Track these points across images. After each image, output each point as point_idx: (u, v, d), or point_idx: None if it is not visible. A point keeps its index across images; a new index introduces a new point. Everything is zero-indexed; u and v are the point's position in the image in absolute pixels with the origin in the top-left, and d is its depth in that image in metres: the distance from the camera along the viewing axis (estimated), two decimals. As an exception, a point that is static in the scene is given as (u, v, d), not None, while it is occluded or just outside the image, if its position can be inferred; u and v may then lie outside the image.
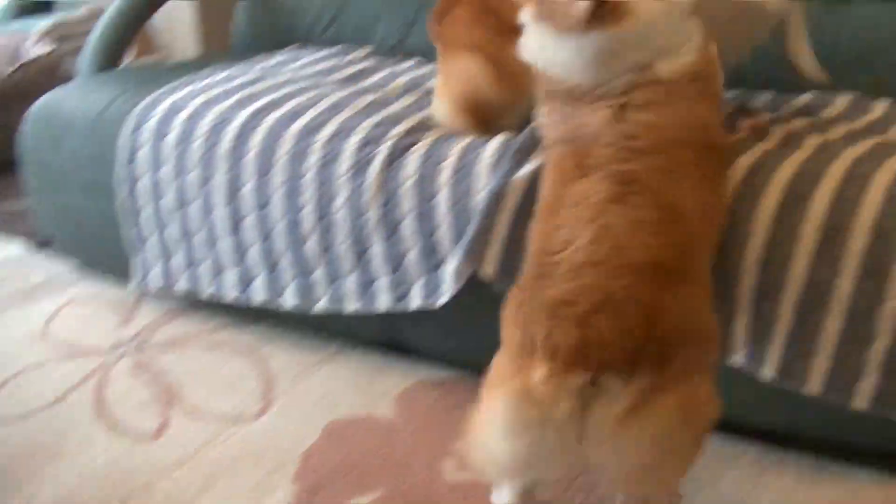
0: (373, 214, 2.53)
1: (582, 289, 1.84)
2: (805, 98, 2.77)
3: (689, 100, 2.07)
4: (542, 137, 2.21)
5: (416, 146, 2.55)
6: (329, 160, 2.60)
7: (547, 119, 2.17)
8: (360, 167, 2.56)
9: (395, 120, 2.67)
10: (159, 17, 4.40)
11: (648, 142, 1.99)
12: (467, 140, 2.52)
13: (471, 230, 2.39)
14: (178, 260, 2.94)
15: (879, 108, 2.69)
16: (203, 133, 2.79)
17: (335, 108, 2.75)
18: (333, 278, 2.66)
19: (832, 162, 2.19)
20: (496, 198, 2.35)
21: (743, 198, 2.17)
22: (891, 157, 2.21)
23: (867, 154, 2.24)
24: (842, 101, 2.73)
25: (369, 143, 2.59)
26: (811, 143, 2.33)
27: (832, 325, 2.12)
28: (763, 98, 2.80)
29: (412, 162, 2.51)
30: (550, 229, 1.98)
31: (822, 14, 2.88)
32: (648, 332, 1.81)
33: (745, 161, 2.23)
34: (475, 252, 2.39)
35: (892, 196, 2.09)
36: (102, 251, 3.21)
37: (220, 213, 2.77)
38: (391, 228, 2.53)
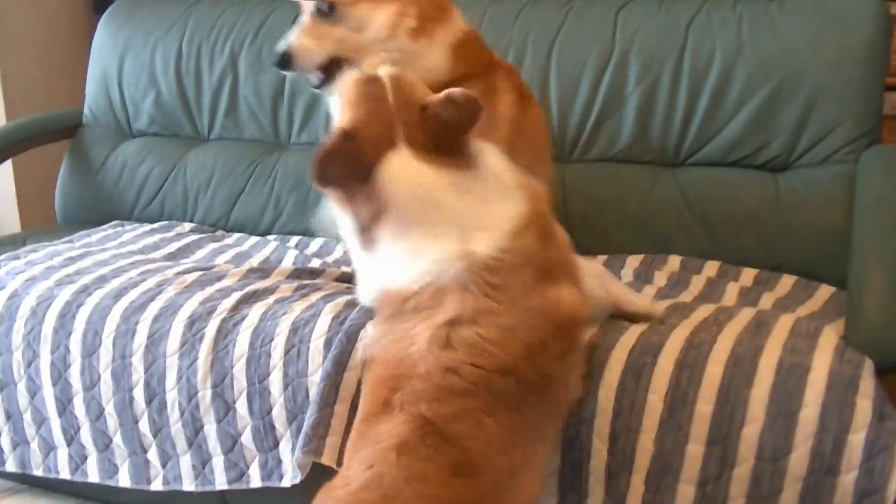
0: (205, 394, 2.52)
1: None
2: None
3: (523, 294, 1.99)
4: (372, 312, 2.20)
5: (244, 322, 2.54)
6: (157, 339, 2.59)
7: (373, 328, 2.13)
8: (189, 346, 2.55)
9: (223, 295, 2.67)
10: (-22, 190, 4.37)
11: (469, 379, 1.90)
12: (296, 313, 2.51)
13: (308, 420, 2.37)
14: (4, 439, 2.87)
15: (711, 269, 2.83)
16: (26, 312, 2.76)
17: (161, 286, 2.74)
18: (168, 457, 2.62)
19: (672, 331, 2.26)
20: (332, 387, 2.35)
21: (587, 375, 2.21)
22: (731, 321, 2.29)
23: (704, 321, 2.31)
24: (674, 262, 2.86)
25: (196, 320, 2.58)
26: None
27: (686, 492, 2.15)
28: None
29: (242, 340, 2.50)
30: (349, 458, 1.96)
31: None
32: None
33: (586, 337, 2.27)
34: (314, 443, 2.36)
35: (735, 361, 2.15)
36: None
37: (48, 393, 2.72)
38: (224, 408, 2.51)
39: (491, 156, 2.13)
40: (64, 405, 2.71)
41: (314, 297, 2.60)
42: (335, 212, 2.17)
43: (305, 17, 2.51)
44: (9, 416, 2.82)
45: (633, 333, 2.27)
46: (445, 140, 2.08)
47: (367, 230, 2.09)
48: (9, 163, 4.16)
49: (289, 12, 3.51)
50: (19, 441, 2.84)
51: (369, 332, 2.27)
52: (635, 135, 3.05)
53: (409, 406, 1.90)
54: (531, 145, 2.60)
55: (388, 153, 2.05)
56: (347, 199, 2.10)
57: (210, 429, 2.54)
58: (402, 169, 2.04)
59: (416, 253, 2.01)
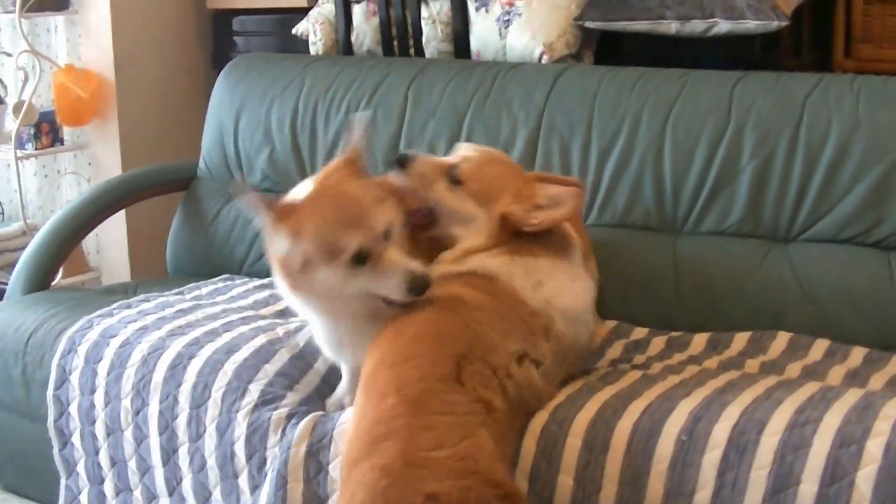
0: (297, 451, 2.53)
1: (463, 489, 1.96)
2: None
3: None
4: None
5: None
6: (260, 402, 2.63)
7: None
8: (293, 418, 2.58)
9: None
10: (91, 238, 4.44)
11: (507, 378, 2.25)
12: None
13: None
14: (109, 485, 2.90)
15: (820, 347, 2.80)
16: (137, 360, 2.81)
17: (274, 344, 2.78)
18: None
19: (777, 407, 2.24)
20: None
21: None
22: (837, 400, 2.26)
23: (810, 399, 2.29)
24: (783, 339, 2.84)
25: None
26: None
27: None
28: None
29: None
30: (420, 428, 2.06)
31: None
32: None
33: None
34: None
35: (841, 441, 2.12)
36: (26, 474, 3.18)
37: (154, 442, 2.76)
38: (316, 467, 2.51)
39: None
40: (169, 455, 2.74)
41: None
42: None
43: (440, 161, 2.63)
44: (114, 463, 2.86)
45: (737, 407, 2.25)
46: None
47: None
48: (122, 212, 4.23)
49: (405, 76, 3.55)
50: (122, 488, 2.87)
51: None
52: (748, 209, 3.03)
53: (478, 387, 2.15)
54: None
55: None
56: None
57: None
58: None
59: None
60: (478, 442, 2.04)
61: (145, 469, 2.80)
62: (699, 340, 2.85)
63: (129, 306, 3.11)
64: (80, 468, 2.95)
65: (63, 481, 3.00)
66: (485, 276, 2.40)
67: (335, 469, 2.42)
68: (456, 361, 2.16)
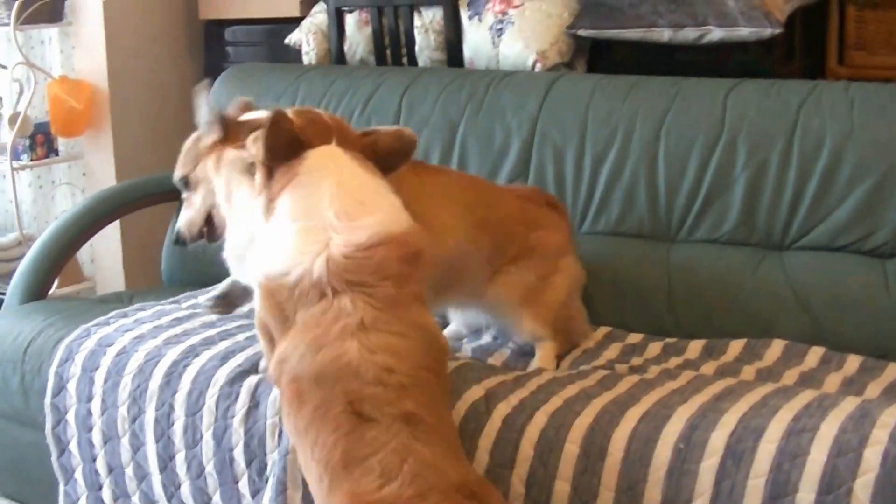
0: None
1: None
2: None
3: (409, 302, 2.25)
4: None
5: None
6: (258, 402, 2.62)
7: (280, 344, 2.25)
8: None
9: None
10: (85, 248, 4.44)
11: (405, 373, 2.12)
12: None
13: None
14: (107, 492, 2.91)
15: (815, 354, 2.82)
16: (133, 369, 2.81)
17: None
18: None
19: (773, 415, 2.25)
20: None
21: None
22: (834, 408, 2.27)
23: (806, 407, 2.30)
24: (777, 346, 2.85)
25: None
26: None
27: None
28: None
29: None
30: (361, 473, 2.04)
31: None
32: None
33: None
34: None
35: (839, 450, 2.13)
36: (24, 481, 3.19)
37: (150, 449, 2.76)
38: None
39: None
40: (166, 462, 2.75)
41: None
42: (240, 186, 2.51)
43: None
44: (111, 470, 2.86)
45: (734, 414, 2.26)
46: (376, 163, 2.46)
47: (271, 201, 2.37)
48: (116, 222, 4.23)
49: (398, 85, 3.56)
50: (120, 494, 2.88)
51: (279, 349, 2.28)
52: (742, 217, 3.04)
53: (384, 407, 2.07)
54: None
55: (320, 144, 2.42)
56: (269, 174, 2.40)
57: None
58: (326, 154, 2.40)
59: (292, 235, 2.28)
60: (417, 458, 2.03)
61: (143, 476, 2.81)
62: (695, 346, 2.86)
63: (125, 315, 3.11)
64: (78, 475, 2.95)
65: (62, 487, 3.01)
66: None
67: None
68: (348, 405, 2.10)
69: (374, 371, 2.09)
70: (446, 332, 3.01)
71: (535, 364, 2.78)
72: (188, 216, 2.83)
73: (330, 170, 2.37)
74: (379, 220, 2.30)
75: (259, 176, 2.43)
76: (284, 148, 2.38)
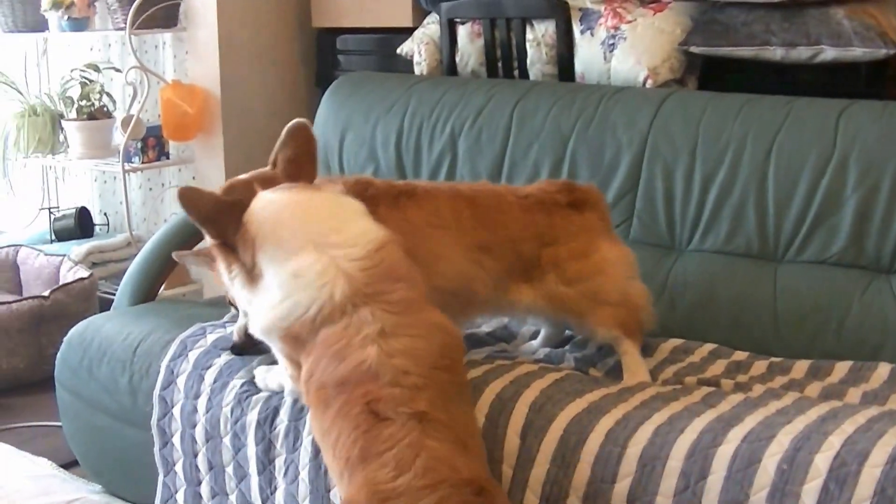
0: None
1: (438, 501, 2.08)
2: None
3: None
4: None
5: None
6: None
7: (313, 363, 2.31)
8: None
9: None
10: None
11: (420, 374, 2.21)
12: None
13: None
14: (205, 488, 2.96)
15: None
16: (243, 375, 2.86)
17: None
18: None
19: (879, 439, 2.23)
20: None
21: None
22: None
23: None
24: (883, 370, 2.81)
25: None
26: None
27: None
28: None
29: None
30: (378, 466, 2.14)
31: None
32: None
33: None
34: None
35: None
36: (129, 478, 3.24)
37: (251, 451, 2.80)
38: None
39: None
40: (265, 465, 2.78)
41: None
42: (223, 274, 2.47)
43: None
44: (211, 467, 2.91)
45: (838, 437, 2.24)
46: (297, 173, 2.49)
47: (251, 269, 2.37)
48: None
49: (509, 97, 3.57)
50: (218, 491, 2.92)
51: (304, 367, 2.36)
52: (851, 239, 3.01)
53: (398, 407, 2.16)
54: None
55: (250, 200, 2.40)
56: (228, 250, 2.41)
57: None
58: (264, 203, 2.38)
59: (296, 275, 2.30)
60: (430, 453, 2.12)
61: (242, 476, 2.85)
62: (800, 367, 2.84)
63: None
64: (178, 468, 3.00)
65: (161, 478, 3.06)
66: None
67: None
68: (366, 406, 2.19)
69: (392, 374, 2.19)
70: (537, 341, 3.03)
71: (627, 378, 2.78)
72: (235, 325, 2.94)
73: (278, 204, 2.40)
74: (362, 226, 2.39)
75: (220, 257, 2.46)
76: (217, 215, 2.40)
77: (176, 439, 2.98)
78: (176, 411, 2.96)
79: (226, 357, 2.93)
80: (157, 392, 3.00)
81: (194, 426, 2.92)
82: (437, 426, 2.16)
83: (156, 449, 3.04)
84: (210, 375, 2.91)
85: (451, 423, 2.20)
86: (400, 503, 2.09)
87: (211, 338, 3.03)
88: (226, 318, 3.16)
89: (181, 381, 2.95)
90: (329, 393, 2.25)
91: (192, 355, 2.98)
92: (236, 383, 2.83)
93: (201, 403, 2.90)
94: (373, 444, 2.16)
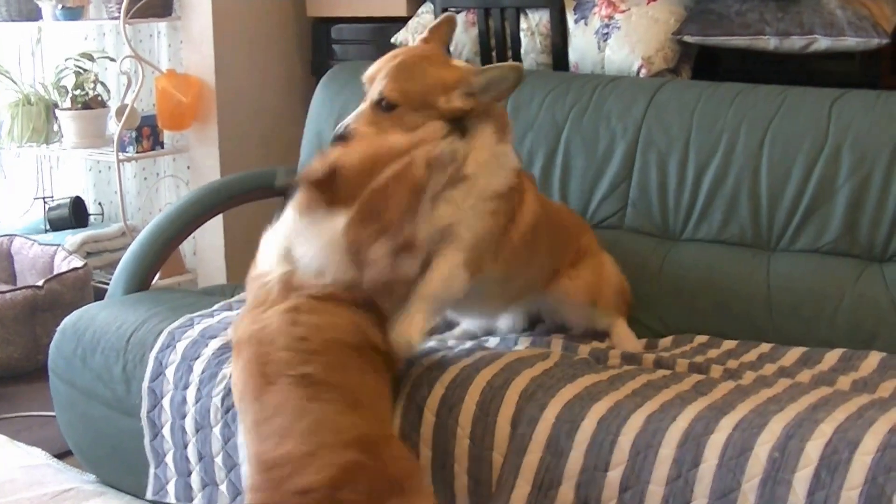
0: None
1: (320, 468, 2.18)
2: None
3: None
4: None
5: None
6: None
7: (240, 314, 2.55)
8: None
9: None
10: (188, 240, 4.50)
11: (317, 343, 2.34)
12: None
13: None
14: (195, 478, 2.96)
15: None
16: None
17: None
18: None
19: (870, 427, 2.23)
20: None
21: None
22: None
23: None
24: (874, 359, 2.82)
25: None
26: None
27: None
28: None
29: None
30: (264, 436, 2.27)
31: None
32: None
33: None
34: None
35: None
36: (122, 468, 3.23)
37: (241, 440, 2.79)
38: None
39: None
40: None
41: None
42: None
43: (366, 105, 2.68)
44: (201, 457, 2.91)
45: (829, 425, 2.25)
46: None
47: None
48: (220, 216, 4.29)
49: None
50: (209, 482, 2.92)
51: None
52: (843, 228, 3.01)
53: (285, 370, 2.30)
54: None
55: None
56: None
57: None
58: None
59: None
60: (311, 417, 2.25)
61: (231, 466, 2.85)
62: (791, 355, 2.85)
63: (229, 308, 3.16)
64: (169, 459, 3.00)
65: (152, 470, 3.06)
66: None
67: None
68: (257, 367, 2.36)
69: (287, 339, 2.34)
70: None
71: (618, 344, 2.95)
72: (364, 130, 2.73)
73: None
74: None
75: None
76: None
77: (166, 430, 2.98)
78: (165, 402, 2.96)
79: (213, 346, 2.93)
80: (145, 384, 3.01)
81: (184, 417, 2.92)
82: (326, 388, 2.28)
83: (146, 440, 3.04)
84: (199, 366, 2.91)
85: (343, 384, 2.32)
86: (285, 471, 2.19)
87: (199, 328, 3.03)
88: (215, 307, 3.17)
89: (170, 373, 2.95)
90: (239, 346, 2.46)
91: (180, 346, 2.98)
92: (225, 373, 2.83)
93: (190, 394, 2.90)
94: (261, 411, 2.29)
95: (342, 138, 2.61)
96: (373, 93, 2.66)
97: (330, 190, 2.37)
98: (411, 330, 2.48)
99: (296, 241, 2.46)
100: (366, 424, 2.29)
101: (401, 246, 2.38)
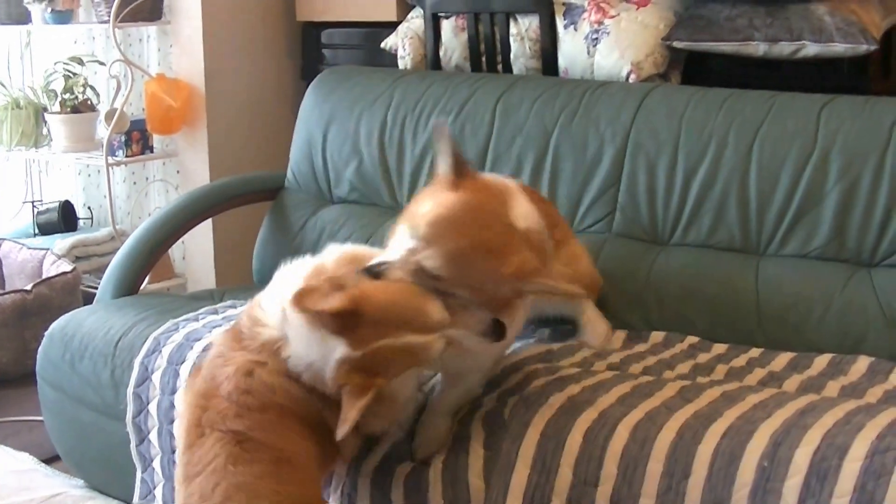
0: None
1: None
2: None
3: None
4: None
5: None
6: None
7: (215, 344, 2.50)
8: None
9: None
10: (177, 245, 4.50)
11: (261, 400, 2.31)
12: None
13: None
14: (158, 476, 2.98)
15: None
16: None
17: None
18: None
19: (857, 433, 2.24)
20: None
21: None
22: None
23: (890, 425, 2.28)
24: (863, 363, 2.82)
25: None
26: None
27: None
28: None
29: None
30: (186, 485, 2.29)
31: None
32: None
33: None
34: None
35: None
36: (110, 473, 3.24)
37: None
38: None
39: None
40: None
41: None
42: None
43: (409, 254, 2.28)
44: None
45: (818, 431, 2.25)
46: None
47: None
48: (209, 220, 4.28)
49: (493, 91, 3.57)
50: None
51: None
52: (832, 233, 3.01)
53: (217, 425, 2.29)
54: None
55: None
56: None
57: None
58: None
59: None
60: (230, 481, 2.24)
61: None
62: (780, 360, 2.85)
63: (215, 312, 3.16)
64: (156, 464, 3.01)
65: (139, 475, 3.07)
66: None
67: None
68: (195, 413, 2.35)
69: (231, 388, 2.32)
70: None
71: (591, 336, 2.94)
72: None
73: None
74: None
75: None
76: None
77: (153, 436, 2.98)
78: (152, 408, 2.96)
79: (198, 349, 2.93)
80: (130, 389, 3.01)
81: (172, 422, 2.92)
82: (254, 447, 2.27)
83: (132, 446, 3.04)
84: (185, 370, 2.91)
85: (275, 444, 2.29)
86: None
87: (183, 332, 3.03)
88: (200, 311, 3.17)
89: (156, 378, 2.96)
90: (195, 377, 2.47)
91: (166, 351, 2.98)
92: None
93: (178, 399, 2.89)
94: (189, 464, 2.30)
95: (376, 275, 2.28)
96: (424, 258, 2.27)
97: (343, 324, 2.21)
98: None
99: (290, 331, 2.34)
100: (292, 486, 2.28)
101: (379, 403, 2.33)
